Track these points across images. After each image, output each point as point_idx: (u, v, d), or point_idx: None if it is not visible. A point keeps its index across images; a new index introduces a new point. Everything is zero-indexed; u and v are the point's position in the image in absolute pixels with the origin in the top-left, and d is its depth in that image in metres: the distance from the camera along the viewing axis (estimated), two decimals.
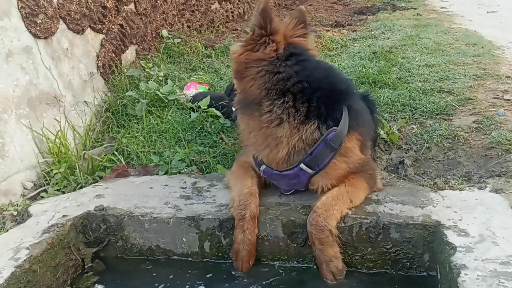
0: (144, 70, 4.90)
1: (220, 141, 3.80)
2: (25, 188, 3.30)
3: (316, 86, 2.50)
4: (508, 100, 3.81)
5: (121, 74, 4.68)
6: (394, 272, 2.55)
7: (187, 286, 2.58)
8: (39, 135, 3.50)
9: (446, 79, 4.42)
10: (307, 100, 2.48)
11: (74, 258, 2.71)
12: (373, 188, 2.75)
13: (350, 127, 2.55)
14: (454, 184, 2.82)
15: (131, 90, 4.42)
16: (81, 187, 3.30)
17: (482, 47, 5.50)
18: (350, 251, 2.59)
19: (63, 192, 3.27)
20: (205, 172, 3.39)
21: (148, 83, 4.45)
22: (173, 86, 4.55)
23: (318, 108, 2.49)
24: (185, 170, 3.38)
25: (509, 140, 3.16)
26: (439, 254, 2.35)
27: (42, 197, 3.22)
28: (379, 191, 2.77)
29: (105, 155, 3.65)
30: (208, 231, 2.71)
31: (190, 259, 2.79)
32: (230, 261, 2.69)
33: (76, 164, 3.48)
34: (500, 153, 3.08)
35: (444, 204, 2.58)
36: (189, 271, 2.70)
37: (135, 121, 4.17)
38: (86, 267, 2.79)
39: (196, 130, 3.95)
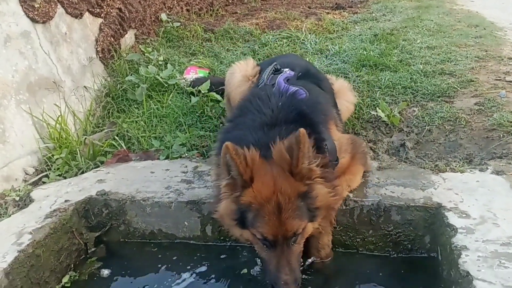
0: (144, 55, 4.87)
1: (221, 125, 3.79)
2: (26, 174, 3.30)
3: None
4: (510, 81, 3.78)
5: (121, 59, 4.65)
6: (395, 254, 2.56)
7: (190, 268, 2.60)
8: (39, 121, 3.49)
9: (447, 61, 4.38)
10: None
11: (77, 242, 2.73)
12: (366, 166, 2.76)
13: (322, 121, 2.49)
14: (455, 166, 2.81)
15: (131, 75, 4.40)
16: (83, 172, 3.31)
17: (484, 29, 5.44)
18: (351, 234, 2.60)
19: (65, 177, 3.28)
20: (206, 156, 3.39)
21: (147, 67, 4.42)
22: (173, 71, 4.53)
23: None
24: (186, 154, 3.38)
25: (511, 122, 3.15)
26: (440, 235, 2.36)
27: (44, 183, 3.22)
28: (368, 171, 2.79)
29: (106, 140, 3.65)
30: (210, 215, 2.71)
31: (192, 242, 2.81)
32: (231, 244, 2.70)
33: (77, 149, 3.49)
34: (501, 135, 3.07)
35: (445, 186, 2.58)
36: (192, 254, 2.72)
37: (135, 106, 4.16)
38: (89, 251, 2.81)
39: (197, 114, 3.94)
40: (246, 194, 2.08)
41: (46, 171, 3.37)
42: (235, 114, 2.58)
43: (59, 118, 3.60)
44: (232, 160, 2.02)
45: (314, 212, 2.14)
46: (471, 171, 2.74)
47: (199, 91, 4.13)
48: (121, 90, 4.33)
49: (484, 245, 2.09)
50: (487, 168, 2.74)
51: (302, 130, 1.99)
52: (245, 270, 2.51)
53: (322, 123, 2.43)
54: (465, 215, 2.32)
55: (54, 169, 3.37)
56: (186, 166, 3.14)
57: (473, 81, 3.89)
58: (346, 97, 3.43)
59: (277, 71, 2.91)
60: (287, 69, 2.89)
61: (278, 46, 5.22)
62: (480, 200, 2.42)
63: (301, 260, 2.28)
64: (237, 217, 2.15)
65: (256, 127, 2.30)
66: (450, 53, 4.57)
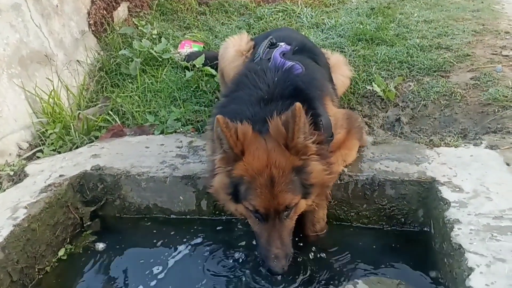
0: (137, 28, 4.79)
1: (216, 100, 3.77)
2: (20, 148, 3.29)
3: None
4: (507, 56, 3.76)
5: (114, 32, 4.58)
6: (389, 228, 2.59)
7: (185, 242, 2.62)
8: (32, 95, 3.46)
9: (444, 35, 4.34)
10: None
11: (72, 217, 2.74)
12: (361, 141, 2.77)
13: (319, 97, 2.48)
14: (450, 141, 2.82)
15: (124, 49, 4.34)
16: (77, 147, 3.29)
17: (482, 2, 5.38)
18: (345, 208, 2.63)
19: (59, 152, 3.27)
20: (201, 131, 3.38)
21: (141, 41, 4.36)
22: (167, 45, 4.47)
23: None
24: (181, 129, 3.37)
25: (506, 97, 3.14)
26: (433, 209, 2.38)
27: (38, 157, 3.21)
28: (364, 146, 2.79)
29: (100, 115, 3.63)
30: (205, 189, 2.72)
31: (187, 217, 2.82)
32: (226, 218, 2.73)
33: (71, 124, 3.47)
34: (496, 110, 3.07)
35: (440, 161, 2.59)
36: (187, 228, 2.73)
37: (129, 81, 4.12)
38: (84, 225, 2.82)
39: (192, 89, 3.90)
40: (238, 167, 2.10)
41: (40, 146, 3.35)
42: (231, 89, 2.56)
43: (52, 93, 3.56)
44: (222, 133, 2.04)
45: (308, 188, 2.14)
46: (465, 145, 2.75)
47: (194, 66, 4.08)
48: (114, 64, 4.28)
49: (477, 218, 2.11)
50: (481, 143, 2.75)
51: (298, 104, 1.98)
52: (243, 243, 2.53)
53: (317, 99, 2.42)
54: (458, 189, 2.33)
55: (48, 144, 3.35)
56: (181, 141, 3.13)
57: (469, 55, 3.86)
58: (341, 71, 3.40)
59: (272, 45, 2.87)
60: (282, 43, 2.86)
61: (274, 19, 5.14)
62: (474, 174, 2.43)
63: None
64: (231, 191, 2.16)
65: (253, 102, 2.29)
66: (447, 27, 4.53)
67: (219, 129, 2.02)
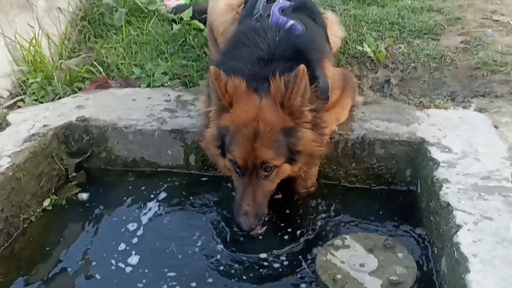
0: None
1: (203, 55, 3.68)
2: (0, 97, 3.17)
3: None
4: (497, 20, 3.76)
5: None
6: (376, 187, 2.62)
7: (172, 197, 2.61)
8: (12, 42, 3.31)
9: None
10: None
11: (57, 167, 2.69)
12: (354, 101, 2.76)
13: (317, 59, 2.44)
14: (439, 103, 2.84)
15: None
16: (60, 98, 3.19)
17: None
18: (334, 166, 2.64)
19: (41, 102, 3.17)
20: (188, 86, 3.31)
21: None
22: None
23: None
24: (168, 83, 3.29)
25: (495, 61, 3.16)
26: (422, 169, 2.41)
27: (19, 107, 3.11)
28: (355, 106, 2.78)
29: (84, 66, 3.51)
30: (193, 144, 2.70)
31: (175, 171, 2.80)
32: (214, 173, 2.72)
33: (53, 74, 3.35)
34: (485, 74, 3.09)
35: (429, 122, 2.61)
36: (174, 183, 2.72)
37: (113, 32, 3.98)
38: (70, 177, 2.78)
39: (179, 43, 3.80)
40: (225, 118, 2.11)
41: (21, 95, 3.24)
42: (230, 46, 2.51)
43: (33, 40, 3.41)
44: (211, 84, 2.05)
45: (295, 155, 2.13)
46: (454, 108, 2.78)
47: (181, 19, 3.97)
48: (97, 14, 4.13)
49: (465, 178, 2.14)
50: (470, 106, 2.79)
51: (302, 66, 1.97)
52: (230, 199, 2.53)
53: (316, 61, 2.38)
54: (447, 149, 2.36)
55: (30, 93, 3.25)
56: (169, 95, 3.06)
57: (460, 19, 3.84)
58: (333, 31, 3.35)
59: (270, 0, 2.79)
60: None
61: None
62: (463, 136, 2.46)
63: None
64: (219, 143, 2.16)
65: (253, 60, 2.26)
66: None
67: (210, 79, 2.02)
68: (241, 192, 2.12)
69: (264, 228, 2.26)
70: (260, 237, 2.25)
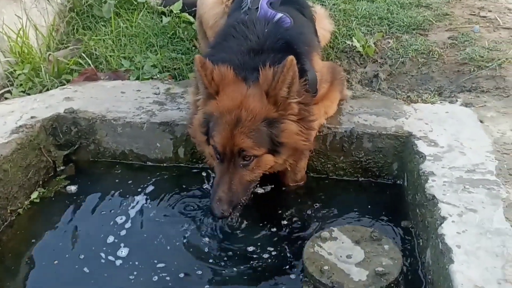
0: None
1: (193, 48, 3.68)
2: None
3: None
4: (484, 17, 3.80)
5: None
6: (364, 180, 2.65)
7: (161, 189, 2.62)
8: None
9: None
10: None
11: (45, 160, 2.67)
12: (342, 94, 2.78)
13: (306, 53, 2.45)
14: (427, 97, 2.88)
15: None
16: (47, 90, 3.17)
17: None
18: (322, 159, 2.66)
19: (28, 94, 3.15)
20: (178, 79, 3.30)
21: None
22: None
23: None
24: (158, 76, 3.28)
25: (482, 57, 3.20)
26: (409, 163, 2.45)
27: (6, 98, 3.08)
28: (344, 99, 2.80)
29: (72, 58, 3.48)
30: (183, 137, 2.70)
31: (164, 164, 2.80)
32: (203, 165, 2.71)
33: (41, 66, 3.32)
34: (472, 69, 3.13)
35: (416, 116, 2.64)
36: (163, 176, 2.73)
37: (102, 24, 3.95)
38: (58, 170, 2.76)
39: (168, 35, 3.79)
40: (210, 104, 2.13)
41: (8, 86, 3.21)
42: (219, 40, 2.51)
43: (21, 31, 3.38)
44: (197, 72, 2.07)
45: (278, 146, 2.13)
46: (441, 102, 2.81)
47: (171, 11, 3.94)
48: (86, 6, 4.08)
49: (450, 171, 2.18)
50: (456, 100, 2.82)
51: (291, 57, 1.98)
52: None
53: (305, 54, 2.39)
54: (433, 143, 2.39)
55: (17, 85, 3.22)
56: (158, 88, 3.06)
57: (448, 15, 3.88)
58: (322, 24, 3.36)
59: None
60: None
61: None
62: (449, 130, 2.49)
63: None
64: (205, 130, 2.17)
65: (243, 51, 2.27)
66: None
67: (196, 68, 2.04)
68: (218, 178, 2.13)
69: (236, 215, 2.23)
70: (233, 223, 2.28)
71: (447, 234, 1.82)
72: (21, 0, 3.51)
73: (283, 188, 2.57)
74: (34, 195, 2.55)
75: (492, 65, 3.10)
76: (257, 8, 2.65)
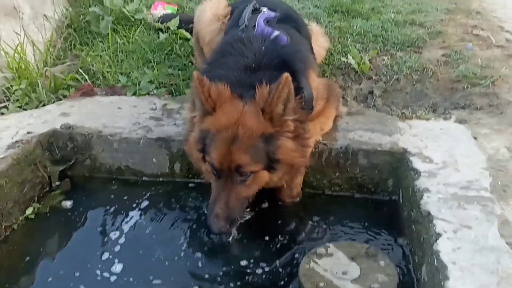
0: None
1: (189, 64, 3.71)
2: None
3: None
4: (477, 35, 3.86)
5: None
6: (359, 196, 2.66)
7: (156, 205, 2.61)
8: None
9: (418, 11, 4.41)
10: None
11: (41, 175, 2.67)
12: (337, 111, 2.80)
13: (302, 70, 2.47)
14: (421, 114, 2.90)
15: (95, 6, 4.18)
16: (44, 105, 3.18)
17: None
18: (318, 176, 2.67)
19: (25, 109, 3.15)
20: (174, 94, 3.32)
21: None
22: (139, 4, 4.33)
23: None
24: (154, 92, 3.30)
25: (475, 74, 3.24)
26: (404, 179, 2.46)
27: (3, 113, 3.09)
28: (339, 116, 2.82)
29: (69, 73, 3.50)
30: (179, 152, 2.71)
31: (160, 179, 2.80)
32: (199, 181, 2.72)
33: (38, 81, 3.33)
34: (465, 86, 3.17)
35: (411, 133, 2.66)
36: (158, 191, 2.72)
37: (99, 40, 3.98)
38: (53, 185, 2.76)
39: (165, 51, 3.82)
40: (206, 121, 2.13)
41: (4, 102, 3.22)
42: (216, 56, 2.53)
43: (18, 47, 3.40)
44: (195, 89, 2.08)
45: (274, 163, 2.13)
46: (435, 119, 2.84)
47: (168, 28, 3.99)
48: (84, 22, 4.13)
49: (445, 188, 2.19)
50: (450, 117, 2.85)
51: (286, 74, 1.99)
52: None
53: (301, 72, 2.41)
54: (428, 160, 2.41)
55: (14, 100, 3.23)
56: (155, 103, 3.07)
57: (441, 33, 3.94)
58: (318, 41, 3.41)
59: (255, 11, 2.83)
60: (265, 9, 2.83)
61: None
62: (443, 146, 2.51)
63: None
64: (201, 147, 2.17)
65: (239, 68, 2.28)
66: (421, 4, 4.59)
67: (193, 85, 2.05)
68: (215, 194, 2.13)
69: (235, 232, 2.24)
70: (229, 240, 2.27)
71: (443, 251, 1.83)
72: (19, 16, 3.53)
73: (279, 204, 2.57)
74: (29, 210, 2.54)
75: (485, 82, 3.14)
76: (254, 25, 2.68)
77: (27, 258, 2.29)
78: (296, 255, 2.23)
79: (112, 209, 2.59)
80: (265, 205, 2.55)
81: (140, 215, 2.54)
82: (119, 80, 3.45)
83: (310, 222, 2.46)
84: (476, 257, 1.79)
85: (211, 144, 2.10)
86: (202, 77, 2.08)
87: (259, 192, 2.26)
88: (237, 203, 2.14)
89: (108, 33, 3.90)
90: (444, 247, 1.85)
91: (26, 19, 3.66)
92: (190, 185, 2.75)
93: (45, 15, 3.92)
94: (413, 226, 2.21)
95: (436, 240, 1.89)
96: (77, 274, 2.18)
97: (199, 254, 2.27)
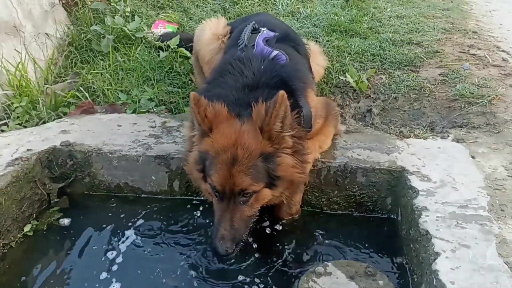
0: (110, 4, 4.65)
1: (189, 82, 3.74)
2: None
3: None
4: (474, 54, 3.90)
5: (85, 7, 4.43)
6: (358, 214, 2.66)
7: (155, 222, 2.61)
8: None
9: (415, 31, 4.45)
10: None
11: (39, 192, 2.67)
12: (336, 129, 2.82)
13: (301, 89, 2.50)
14: (419, 133, 2.92)
15: (96, 25, 4.22)
16: (44, 123, 3.20)
17: (451, 1, 5.53)
18: (317, 194, 2.67)
19: (25, 127, 3.17)
20: (174, 112, 3.35)
21: (114, 18, 4.24)
22: (140, 23, 4.38)
23: None
24: (154, 109, 3.33)
25: (472, 93, 3.27)
26: (402, 197, 2.47)
27: (3, 131, 3.10)
28: (338, 134, 2.85)
29: (69, 91, 3.53)
30: (178, 170, 2.72)
31: (159, 196, 2.81)
32: (198, 198, 2.73)
33: (38, 99, 3.36)
34: (463, 105, 3.19)
35: (409, 151, 2.68)
36: (158, 208, 2.72)
37: (100, 58, 4.02)
38: (52, 202, 2.76)
39: (165, 70, 3.86)
40: (204, 142, 2.14)
41: (5, 119, 3.24)
42: (215, 75, 2.56)
43: (19, 65, 3.43)
44: (191, 109, 2.10)
45: (275, 180, 2.15)
46: (433, 138, 2.85)
47: (168, 46, 4.03)
48: (85, 40, 4.16)
49: (443, 206, 2.20)
50: (448, 136, 2.87)
51: (282, 91, 2.01)
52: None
53: (300, 91, 2.44)
54: (426, 178, 2.42)
55: (14, 117, 3.25)
56: (154, 121, 3.09)
57: (438, 52, 3.98)
58: (317, 60, 3.44)
59: (255, 31, 2.87)
60: (264, 29, 2.87)
61: (249, 5, 5.11)
62: (441, 165, 2.53)
63: None
64: (201, 167, 2.18)
65: (238, 87, 2.30)
66: (418, 23, 4.64)
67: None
68: (219, 216, 2.14)
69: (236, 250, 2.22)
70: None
71: (441, 270, 1.83)
72: (20, 34, 3.57)
73: (278, 222, 2.57)
74: (27, 228, 2.53)
75: (482, 101, 3.17)
76: (254, 45, 2.72)
77: (25, 276, 2.28)
78: (295, 274, 2.23)
79: (110, 227, 2.59)
80: (266, 223, 2.55)
81: (138, 233, 2.53)
82: (119, 98, 3.48)
83: (308, 240, 2.46)
84: (475, 277, 1.79)
85: (211, 167, 2.11)
86: (198, 97, 2.09)
87: (259, 210, 2.27)
88: (242, 223, 2.15)
89: (109, 51, 3.94)
90: (443, 267, 1.85)
91: (28, 37, 3.70)
92: (189, 203, 2.75)
93: (46, 34, 3.96)
94: (411, 245, 2.21)
95: (435, 260, 1.89)
96: None
97: (196, 273, 2.26)
